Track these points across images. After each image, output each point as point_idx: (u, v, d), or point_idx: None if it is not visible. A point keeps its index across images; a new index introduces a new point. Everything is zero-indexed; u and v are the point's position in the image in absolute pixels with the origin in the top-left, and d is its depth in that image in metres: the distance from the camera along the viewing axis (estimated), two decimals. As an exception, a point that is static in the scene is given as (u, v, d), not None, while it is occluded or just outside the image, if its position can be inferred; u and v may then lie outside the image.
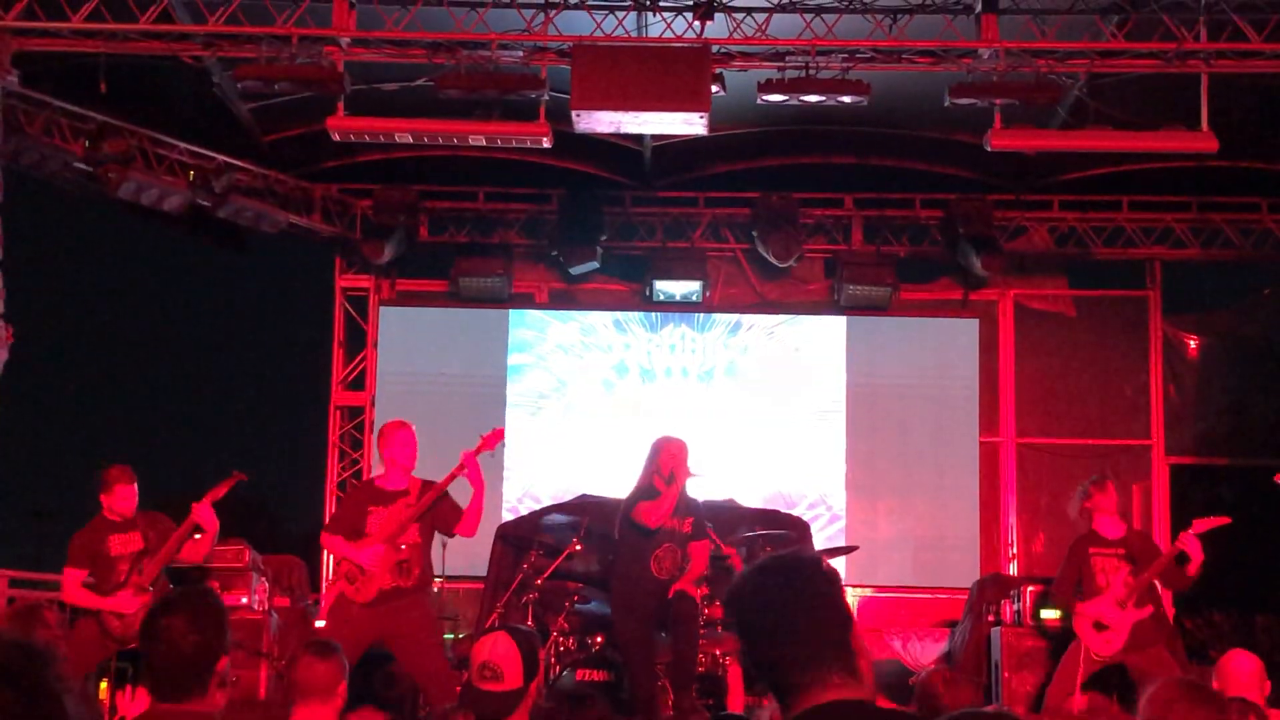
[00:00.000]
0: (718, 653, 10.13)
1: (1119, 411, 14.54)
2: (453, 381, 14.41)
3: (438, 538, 8.77)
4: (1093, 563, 9.09)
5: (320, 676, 5.23)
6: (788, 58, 10.31)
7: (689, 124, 10.18)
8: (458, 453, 8.69)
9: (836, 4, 10.18)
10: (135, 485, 9.14)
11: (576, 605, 10.26)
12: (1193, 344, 14.69)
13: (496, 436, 8.78)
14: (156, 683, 3.70)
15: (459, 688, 8.67)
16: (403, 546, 8.40)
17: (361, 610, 8.30)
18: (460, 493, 8.60)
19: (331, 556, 13.06)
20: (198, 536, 8.97)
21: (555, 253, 14.18)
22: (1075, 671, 8.97)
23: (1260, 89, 10.83)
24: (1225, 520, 9.01)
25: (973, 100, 10.19)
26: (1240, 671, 6.44)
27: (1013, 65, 10.15)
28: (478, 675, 4.60)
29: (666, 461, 9.27)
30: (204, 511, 8.83)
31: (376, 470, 8.86)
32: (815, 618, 2.81)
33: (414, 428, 8.69)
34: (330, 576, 13.70)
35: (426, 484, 8.53)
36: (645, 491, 9.23)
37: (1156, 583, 9.21)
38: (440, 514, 8.50)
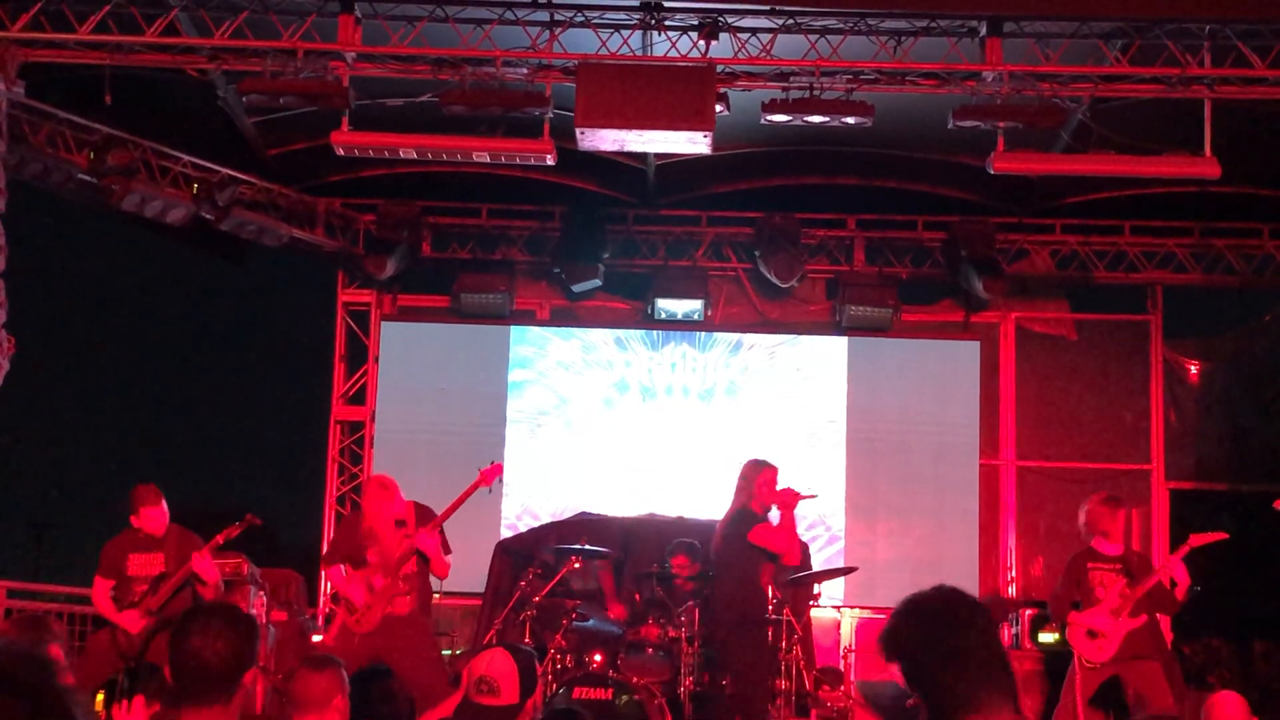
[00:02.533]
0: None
1: (1119, 436, 14.54)
2: (453, 397, 14.40)
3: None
4: (1091, 576, 9.16)
5: (316, 689, 5.24)
6: (792, 78, 10.32)
7: (693, 143, 10.19)
8: (456, 469, 8.76)
9: (841, 25, 10.19)
10: (163, 504, 9.25)
11: (574, 623, 10.25)
12: (1193, 369, 14.70)
13: (494, 472, 8.79)
14: (179, 689, 3.70)
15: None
16: (403, 579, 8.46)
17: (362, 639, 8.38)
18: (460, 513, 8.63)
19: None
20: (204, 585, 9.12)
21: (557, 270, 14.19)
22: (1073, 684, 9.04)
23: (1263, 115, 10.83)
24: (1222, 536, 9.06)
25: (976, 123, 10.20)
26: (1225, 714, 6.49)
27: (1016, 88, 10.16)
28: (474, 690, 4.61)
29: (763, 492, 9.62)
30: (203, 563, 8.97)
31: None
32: (987, 647, 2.96)
33: (395, 486, 8.72)
34: (328, 590, 13.70)
35: (420, 509, 8.58)
36: (750, 516, 9.58)
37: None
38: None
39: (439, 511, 8.61)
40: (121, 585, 9.15)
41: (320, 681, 5.31)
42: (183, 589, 9.12)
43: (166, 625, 9.01)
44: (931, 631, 3.02)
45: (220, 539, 9.15)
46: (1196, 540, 9.02)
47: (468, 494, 8.62)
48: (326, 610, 13.52)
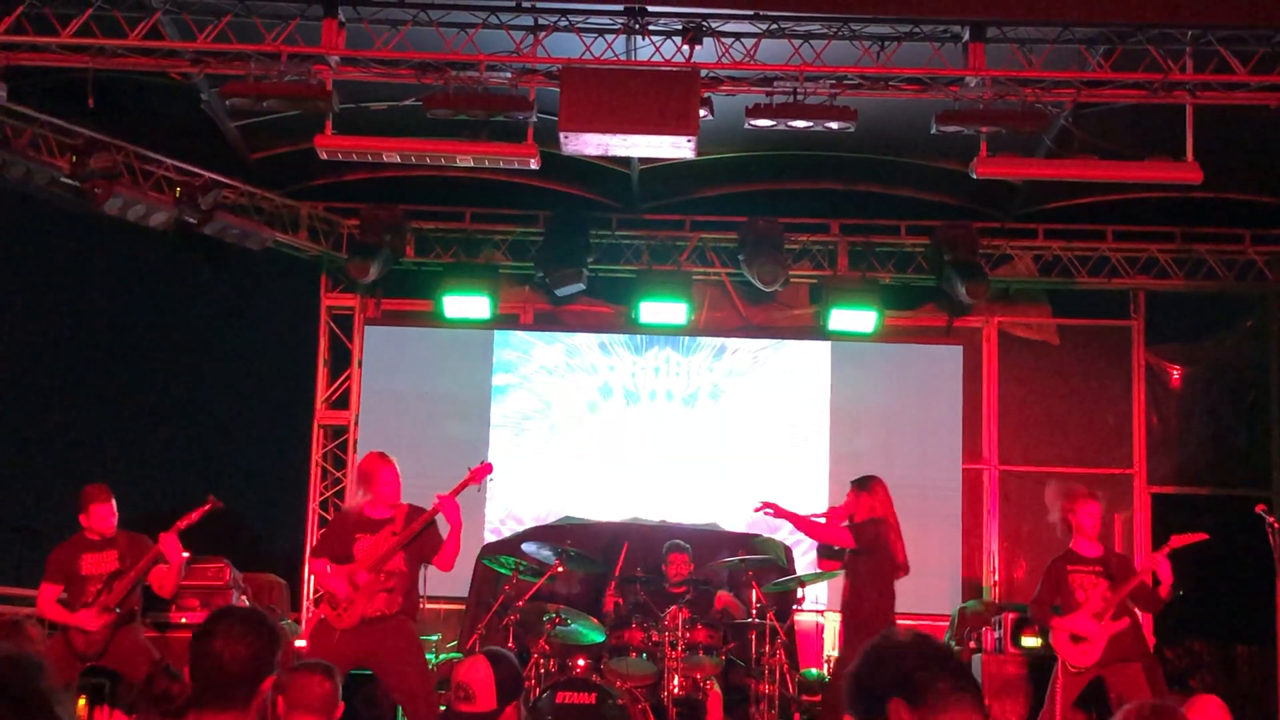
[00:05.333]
0: (698, 676, 10.13)
1: (1102, 440, 14.57)
2: (437, 401, 14.39)
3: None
4: (1071, 579, 9.19)
5: (327, 695, 5.26)
6: (776, 83, 10.33)
7: (677, 147, 10.20)
8: (440, 473, 8.73)
9: (824, 30, 10.20)
10: (112, 503, 9.22)
11: (557, 627, 10.25)
12: (1176, 374, 14.75)
13: (484, 470, 8.78)
14: (199, 692, 3.69)
15: (443, 709, 8.70)
16: (388, 575, 8.41)
17: (343, 636, 8.32)
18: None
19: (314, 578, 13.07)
20: (165, 565, 9.06)
21: (541, 274, 14.18)
22: (1054, 688, 9.07)
23: (1245, 121, 10.87)
24: (1203, 536, 9.09)
25: (959, 128, 10.22)
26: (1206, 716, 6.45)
27: (999, 93, 10.19)
28: (454, 695, 4.65)
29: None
30: (170, 542, 8.95)
31: (359, 497, 8.85)
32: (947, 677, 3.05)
33: (395, 461, 8.70)
34: (312, 596, 13.68)
35: (413, 510, 8.55)
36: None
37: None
38: (423, 543, 8.52)
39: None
40: (74, 586, 9.09)
41: (326, 686, 5.32)
42: (136, 587, 9.10)
43: (126, 622, 9.02)
44: (888, 670, 3.13)
45: (183, 524, 9.11)
46: (1178, 541, 9.06)
47: (460, 489, 8.61)
48: (310, 614, 13.50)
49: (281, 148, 12.85)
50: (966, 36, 10.10)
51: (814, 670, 12.41)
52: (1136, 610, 9.42)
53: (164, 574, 9.10)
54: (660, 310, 14.16)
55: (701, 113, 9.99)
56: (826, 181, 13.82)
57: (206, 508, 9.14)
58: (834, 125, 10.22)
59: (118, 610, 8.97)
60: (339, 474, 14.47)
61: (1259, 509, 9.84)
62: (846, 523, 9.68)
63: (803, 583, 11.34)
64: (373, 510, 8.58)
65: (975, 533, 14.34)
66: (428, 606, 11.65)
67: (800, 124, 10.23)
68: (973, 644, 11.65)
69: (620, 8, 10.09)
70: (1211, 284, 14.28)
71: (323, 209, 14.23)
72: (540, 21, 10.22)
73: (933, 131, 10.30)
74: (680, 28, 10.17)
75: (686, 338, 14.57)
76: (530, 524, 13.34)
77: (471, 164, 10.71)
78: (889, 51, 10.24)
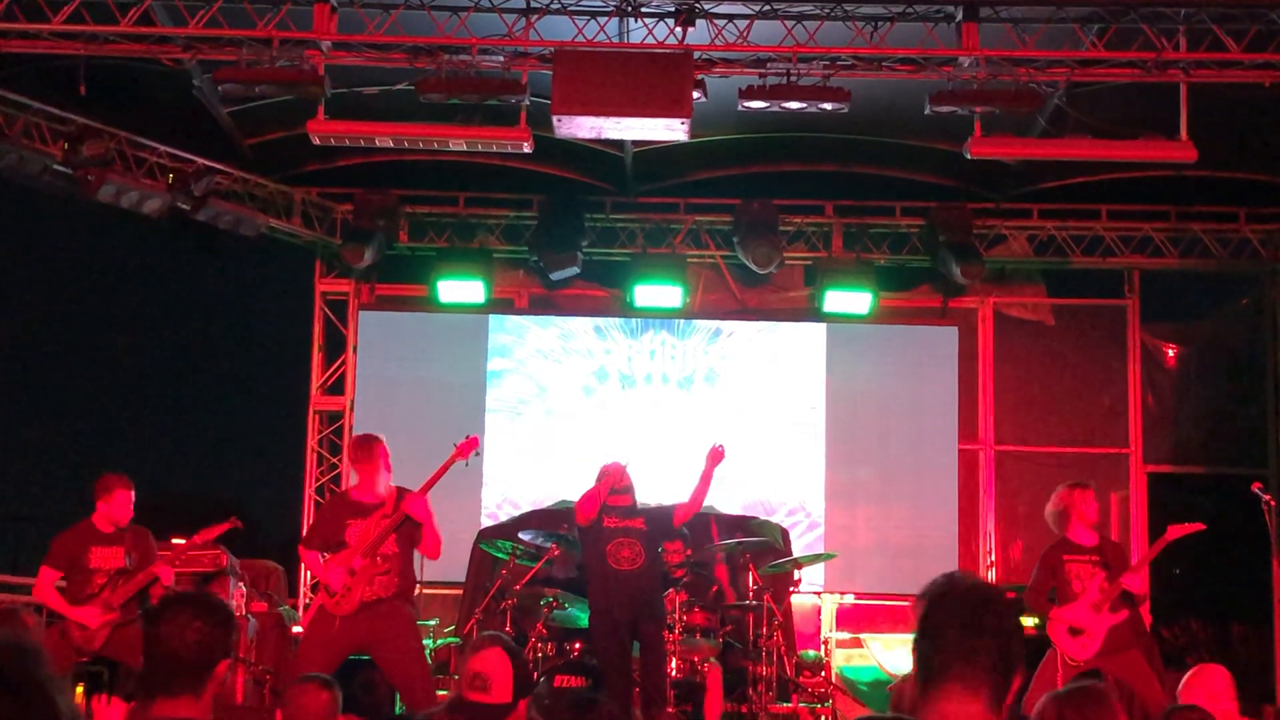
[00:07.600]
0: (695, 659, 10.14)
1: (1097, 420, 14.59)
2: (432, 386, 14.37)
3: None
4: (1067, 569, 9.14)
5: (325, 706, 5.26)
6: (769, 64, 10.31)
7: (670, 130, 10.17)
8: (437, 458, 8.70)
9: (818, 11, 10.18)
10: (133, 492, 9.23)
11: (555, 611, 10.25)
12: (1171, 353, 14.76)
13: (470, 445, 8.78)
14: (151, 678, 3.67)
15: (440, 693, 8.70)
16: (383, 559, 8.41)
17: (342, 623, 8.33)
18: (441, 502, 8.64)
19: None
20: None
21: (535, 258, 14.17)
22: (1053, 678, 9.02)
23: (1239, 99, 10.86)
24: (1199, 527, 9.08)
25: (953, 108, 10.21)
26: (1208, 686, 6.43)
27: (993, 73, 10.17)
28: (468, 684, 4.62)
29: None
30: (164, 569, 9.05)
31: (351, 480, 8.85)
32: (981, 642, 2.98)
33: (385, 441, 8.69)
34: (309, 581, 13.69)
35: (401, 491, 8.54)
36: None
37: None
38: (410, 528, 8.53)
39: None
40: (78, 576, 9.07)
41: (324, 697, 5.32)
42: (138, 593, 9.12)
43: (127, 622, 9.01)
44: (940, 610, 3.07)
45: (199, 539, 9.19)
46: (1175, 532, 9.04)
47: (445, 467, 8.60)
48: (306, 600, 13.51)
49: (274, 133, 12.82)
50: (960, 16, 10.09)
51: (811, 652, 12.42)
52: (1135, 599, 9.43)
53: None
54: (655, 293, 14.15)
55: (695, 95, 9.97)
56: (821, 163, 13.80)
57: (226, 526, 9.20)
58: (827, 106, 10.20)
59: (119, 610, 8.99)
60: (335, 459, 14.47)
61: (1255, 487, 9.84)
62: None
63: (799, 564, 11.36)
64: (362, 495, 8.58)
65: (971, 513, 14.35)
66: (424, 591, 11.67)
67: (794, 105, 10.21)
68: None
69: (612, -10, 10.07)
70: (1206, 262, 14.28)
71: (316, 194, 14.21)
72: (532, 4, 10.19)
73: (926, 112, 10.29)
74: (673, 9, 10.15)
75: (681, 321, 14.55)
76: (527, 508, 13.32)
77: (465, 148, 10.69)
78: (882, 32, 10.22)
